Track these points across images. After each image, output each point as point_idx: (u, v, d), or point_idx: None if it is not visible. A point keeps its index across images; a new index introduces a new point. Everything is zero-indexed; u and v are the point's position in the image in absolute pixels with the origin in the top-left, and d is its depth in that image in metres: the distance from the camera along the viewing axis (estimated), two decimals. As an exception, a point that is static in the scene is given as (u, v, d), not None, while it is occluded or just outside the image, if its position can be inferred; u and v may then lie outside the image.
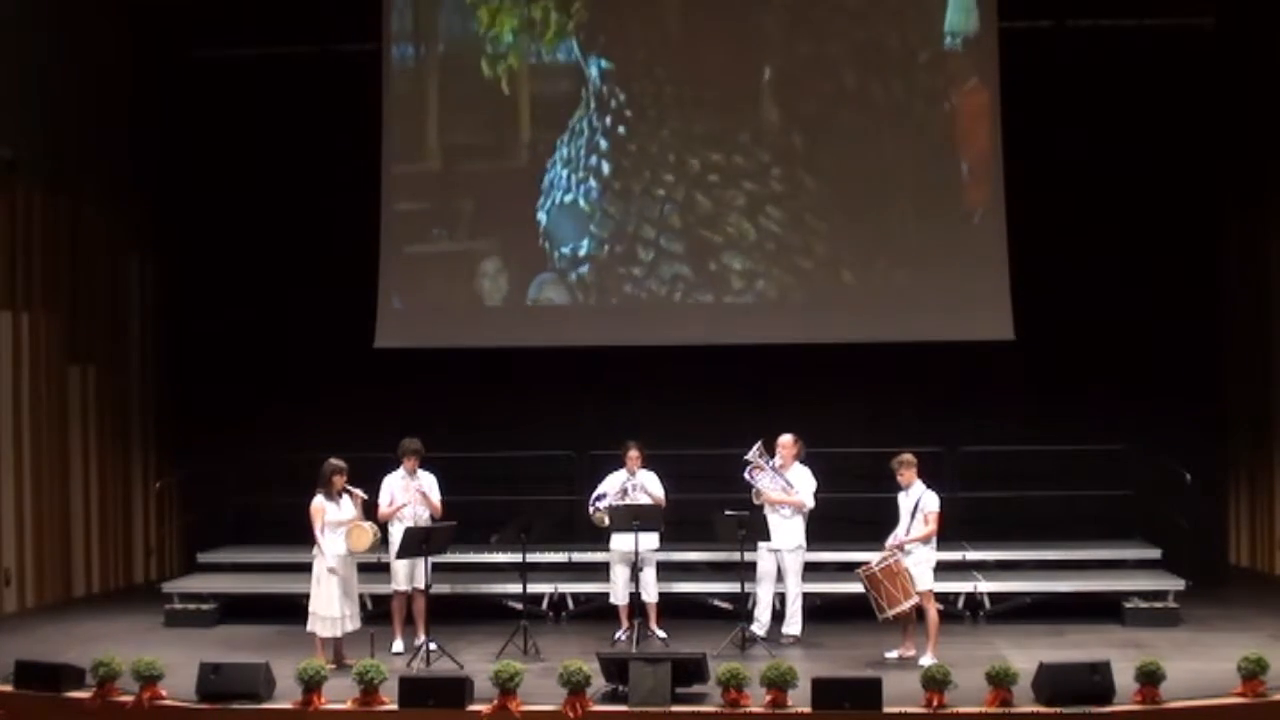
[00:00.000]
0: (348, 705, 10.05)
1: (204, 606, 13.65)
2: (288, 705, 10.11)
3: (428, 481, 12.19)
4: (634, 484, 12.39)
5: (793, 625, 12.26)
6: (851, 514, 14.39)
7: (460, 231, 15.85)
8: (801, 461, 12.35)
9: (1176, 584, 13.07)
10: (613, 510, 12.17)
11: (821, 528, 12.76)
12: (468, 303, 15.84)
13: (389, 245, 15.73)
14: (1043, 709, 9.63)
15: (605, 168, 15.50)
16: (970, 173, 15.30)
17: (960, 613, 13.24)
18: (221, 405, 16.38)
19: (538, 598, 13.43)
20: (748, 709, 9.77)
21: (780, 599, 12.39)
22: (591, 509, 12.41)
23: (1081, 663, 10.06)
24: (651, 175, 15.45)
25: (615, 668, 10.23)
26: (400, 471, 12.15)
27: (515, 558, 12.54)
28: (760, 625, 12.22)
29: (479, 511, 13.79)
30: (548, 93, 15.68)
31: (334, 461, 11.52)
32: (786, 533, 12.17)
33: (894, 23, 15.34)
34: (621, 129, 15.49)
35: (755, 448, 12.27)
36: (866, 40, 15.33)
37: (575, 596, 13.71)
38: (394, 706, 9.98)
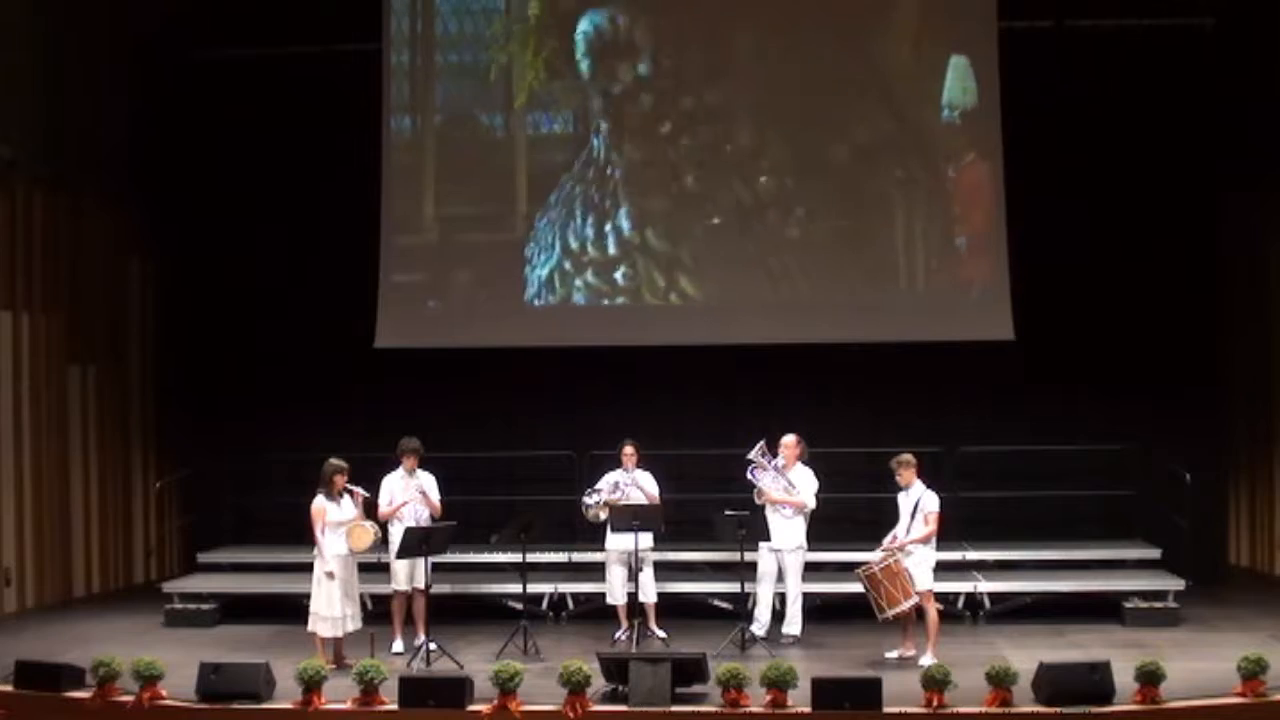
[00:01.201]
0: (348, 705, 10.06)
1: (204, 606, 13.64)
2: (288, 705, 10.12)
3: (427, 481, 12.19)
4: (627, 480, 12.40)
5: (793, 625, 12.25)
6: (852, 514, 14.41)
7: (456, 303, 15.83)
8: (804, 462, 12.35)
9: (1176, 584, 13.07)
10: (612, 509, 12.18)
11: (823, 528, 12.77)
12: (467, 304, 15.85)
13: (385, 316, 15.68)
14: (1043, 709, 9.64)
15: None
16: (969, 247, 15.27)
17: (960, 613, 13.24)
18: (221, 405, 16.39)
19: (538, 598, 13.44)
20: (748, 709, 9.77)
21: (780, 599, 12.39)
22: (583, 506, 12.43)
23: (1081, 663, 10.07)
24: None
25: (615, 668, 10.23)
26: (400, 471, 12.15)
27: (515, 558, 12.53)
28: (760, 625, 12.22)
29: (479, 511, 13.79)
30: (544, 163, 15.68)
31: (334, 461, 11.52)
32: (787, 533, 12.17)
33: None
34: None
35: (758, 447, 12.28)
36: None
37: (575, 596, 13.70)
38: (394, 706, 9.99)
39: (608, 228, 15.57)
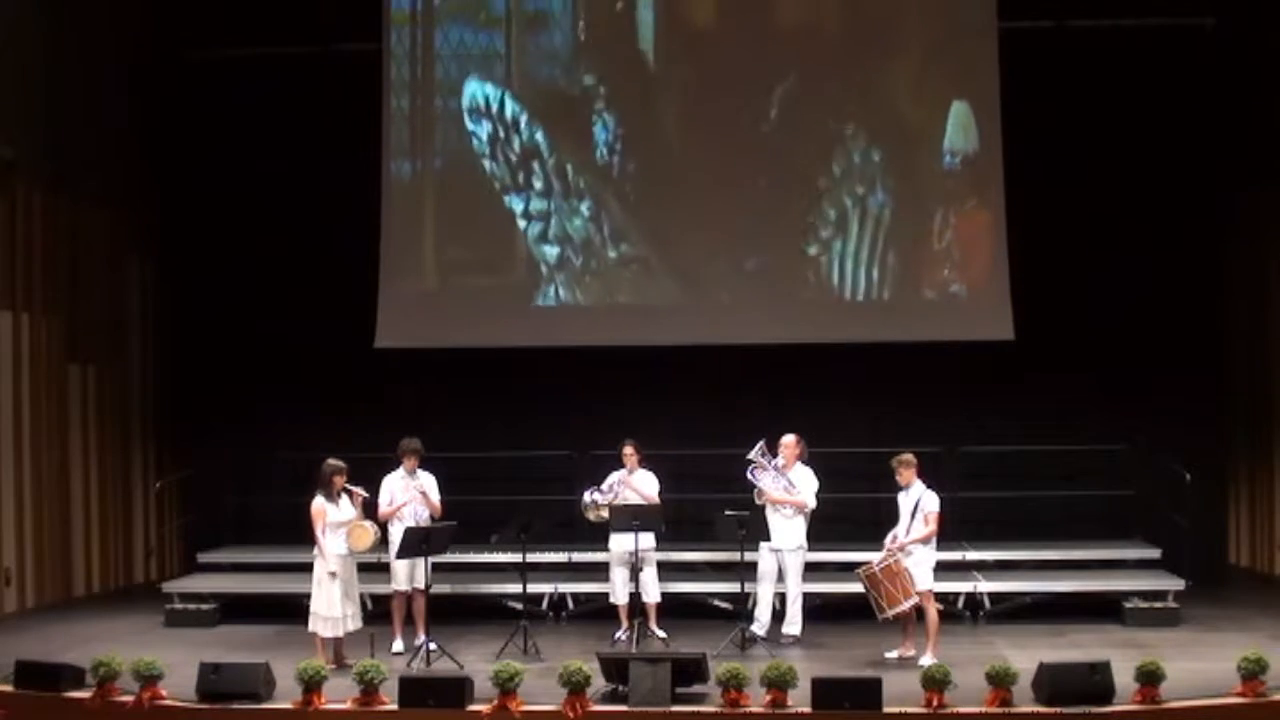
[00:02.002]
0: (348, 705, 10.05)
1: (204, 606, 13.64)
2: (288, 705, 10.10)
3: (427, 481, 12.18)
4: (624, 480, 12.41)
5: (793, 625, 12.25)
6: (853, 514, 14.40)
7: (457, 305, 15.79)
8: (804, 462, 12.35)
9: (1176, 584, 13.07)
10: (613, 510, 12.18)
11: (823, 528, 12.76)
12: (468, 304, 15.85)
13: (386, 316, 15.66)
14: (1043, 709, 9.63)
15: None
16: (970, 294, 15.30)
17: (960, 613, 13.24)
18: (221, 405, 16.39)
19: (538, 598, 13.44)
20: (748, 709, 9.77)
21: (780, 599, 12.38)
22: (582, 506, 12.44)
23: (1081, 663, 10.06)
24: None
25: (615, 668, 10.22)
26: (400, 471, 12.14)
27: (515, 558, 12.54)
28: (760, 625, 12.21)
29: (479, 511, 13.80)
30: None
31: (333, 462, 11.51)
32: (788, 532, 12.17)
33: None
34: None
35: (757, 447, 12.27)
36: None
37: (575, 596, 13.71)
38: (394, 706, 9.98)
39: (609, 231, 15.58)
